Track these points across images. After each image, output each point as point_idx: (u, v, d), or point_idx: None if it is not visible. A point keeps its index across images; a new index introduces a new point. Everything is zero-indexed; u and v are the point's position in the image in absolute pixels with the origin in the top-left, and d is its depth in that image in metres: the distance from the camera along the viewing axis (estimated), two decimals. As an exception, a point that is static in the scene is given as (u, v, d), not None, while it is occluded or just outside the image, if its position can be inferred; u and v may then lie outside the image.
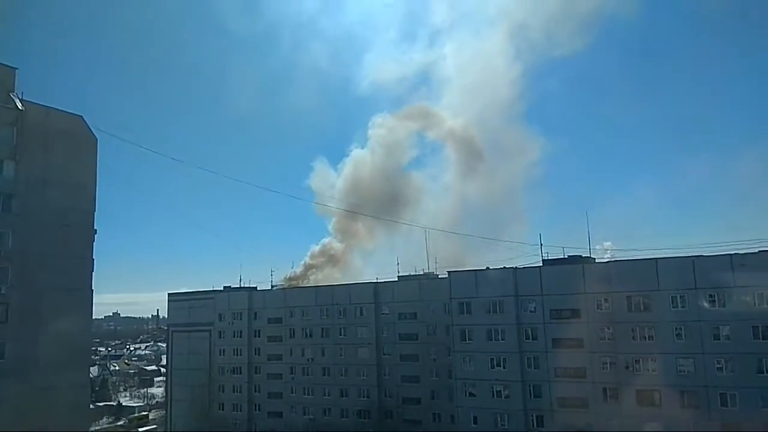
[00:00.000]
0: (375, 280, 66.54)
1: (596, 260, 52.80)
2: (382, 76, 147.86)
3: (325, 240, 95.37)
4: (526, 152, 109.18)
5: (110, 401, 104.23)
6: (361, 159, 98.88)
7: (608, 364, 45.56)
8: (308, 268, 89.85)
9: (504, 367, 49.36)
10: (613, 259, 54.73)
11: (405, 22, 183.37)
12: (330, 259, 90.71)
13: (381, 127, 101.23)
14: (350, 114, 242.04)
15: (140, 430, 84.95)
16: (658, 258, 45.48)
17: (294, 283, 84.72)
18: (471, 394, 50.64)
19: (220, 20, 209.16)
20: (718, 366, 41.71)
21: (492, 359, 49.83)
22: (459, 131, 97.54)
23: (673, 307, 43.48)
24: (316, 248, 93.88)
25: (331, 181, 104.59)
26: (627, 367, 44.78)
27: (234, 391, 71.75)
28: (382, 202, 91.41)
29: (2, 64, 31.91)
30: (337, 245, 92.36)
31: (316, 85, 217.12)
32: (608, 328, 45.85)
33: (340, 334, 65.12)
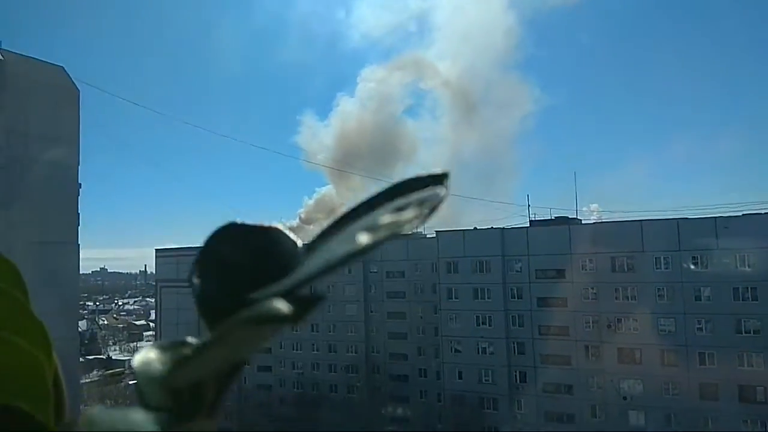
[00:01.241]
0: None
1: (583, 222, 53.27)
2: (372, 27, 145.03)
3: (320, 191, 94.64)
4: (519, 105, 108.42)
5: (100, 355, 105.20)
6: (350, 112, 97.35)
7: (591, 323, 46.49)
8: (304, 221, 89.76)
9: (489, 325, 50.22)
10: (599, 221, 55.30)
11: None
12: (325, 210, 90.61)
13: (371, 79, 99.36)
14: (340, 68, 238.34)
15: (131, 382, 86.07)
16: (643, 220, 45.92)
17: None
18: (457, 351, 51.63)
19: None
20: (698, 326, 42.70)
21: (478, 317, 50.63)
22: (451, 81, 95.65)
23: (657, 269, 44.16)
24: (311, 201, 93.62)
25: (319, 136, 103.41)
26: (609, 326, 45.73)
27: (223, 346, 72.60)
28: (373, 156, 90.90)
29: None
30: (332, 198, 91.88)
31: (304, 39, 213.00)
32: (592, 288, 46.61)
33: (328, 291, 65.58)
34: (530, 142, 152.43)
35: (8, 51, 30.57)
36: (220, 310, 0.50)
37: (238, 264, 0.52)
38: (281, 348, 68.11)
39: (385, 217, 0.49)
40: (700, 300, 42.65)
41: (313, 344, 65.87)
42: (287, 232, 0.54)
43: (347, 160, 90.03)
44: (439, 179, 0.54)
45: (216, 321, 0.50)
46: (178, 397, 0.46)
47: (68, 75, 32.54)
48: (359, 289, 63.82)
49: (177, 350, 0.50)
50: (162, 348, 0.51)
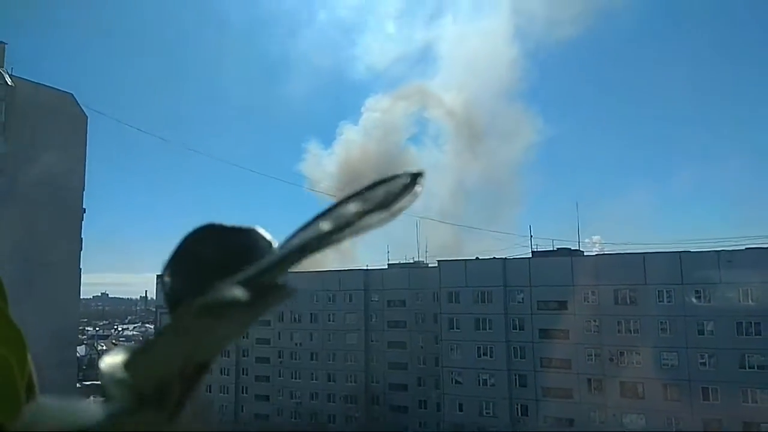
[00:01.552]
0: (365, 267, 66.66)
1: (585, 253, 53.18)
2: (377, 58, 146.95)
3: None
4: (522, 135, 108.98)
5: (97, 380, 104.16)
6: (354, 141, 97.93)
7: (593, 356, 46.04)
8: None
9: (491, 356, 49.76)
10: (601, 253, 55.20)
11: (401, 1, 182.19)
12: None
13: (375, 109, 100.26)
14: (345, 99, 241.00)
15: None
16: (646, 253, 45.83)
17: None
18: (457, 382, 51.05)
19: (210, 3, 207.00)
20: (702, 361, 42.26)
21: (479, 348, 50.20)
22: (455, 111, 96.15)
23: (659, 302, 43.91)
24: None
25: (323, 165, 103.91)
26: (611, 359, 45.28)
27: (221, 374, 71.86)
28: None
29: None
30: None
31: (310, 71, 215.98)
32: (594, 321, 46.30)
33: (329, 320, 65.26)
34: (533, 173, 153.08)
35: (19, 77, 31.13)
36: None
37: (211, 263, 0.51)
38: (280, 377, 67.44)
39: (350, 207, 0.49)
40: (703, 334, 42.30)
41: (312, 373, 65.21)
42: (264, 233, 0.53)
43: (351, 187, 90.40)
44: (414, 178, 0.54)
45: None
46: (141, 396, 0.45)
47: (76, 101, 33.07)
48: (360, 318, 63.46)
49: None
50: (129, 349, 0.51)
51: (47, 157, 31.11)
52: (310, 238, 0.46)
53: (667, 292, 43.71)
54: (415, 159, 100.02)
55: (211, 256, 0.51)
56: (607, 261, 47.98)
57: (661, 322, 43.72)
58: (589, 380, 46.05)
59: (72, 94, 32.89)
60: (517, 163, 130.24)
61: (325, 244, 0.45)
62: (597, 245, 62.95)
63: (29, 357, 0.50)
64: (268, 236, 0.53)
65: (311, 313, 66.32)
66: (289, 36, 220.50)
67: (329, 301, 65.60)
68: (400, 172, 0.52)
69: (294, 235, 0.51)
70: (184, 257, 0.54)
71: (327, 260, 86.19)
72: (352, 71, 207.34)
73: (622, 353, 44.97)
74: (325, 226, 0.46)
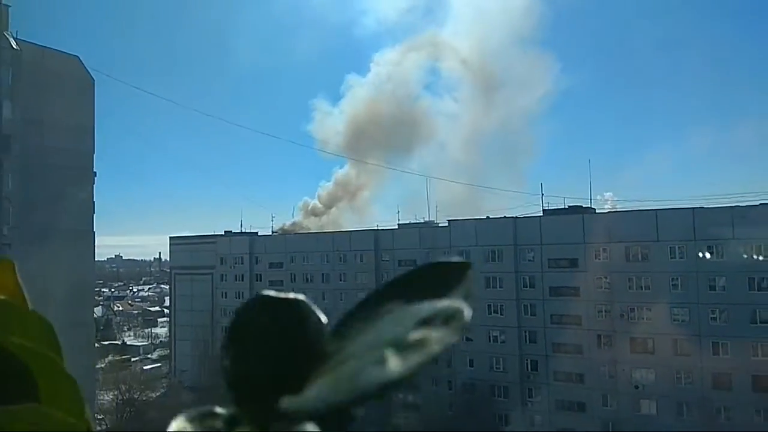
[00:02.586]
0: (375, 227, 66.87)
1: (596, 211, 52.92)
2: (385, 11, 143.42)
3: (339, 172, 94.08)
4: (535, 86, 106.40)
5: (115, 340, 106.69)
6: (364, 95, 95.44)
7: (603, 312, 46.32)
8: (325, 203, 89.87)
9: (501, 314, 50.22)
10: (613, 210, 54.90)
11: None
12: (346, 192, 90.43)
13: (385, 62, 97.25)
14: (355, 55, 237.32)
15: (145, 367, 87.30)
16: (658, 209, 45.51)
17: (301, 225, 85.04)
18: (468, 339, 51.67)
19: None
20: (713, 316, 42.41)
21: (489, 306, 50.62)
22: (469, 61, 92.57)
23: (671, 258, 43.83)
24: (328, 184, 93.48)
25: (333, 121, 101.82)
26: (622, 316, 45.55)
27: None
28: (387, 139, 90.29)
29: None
30: (351, 179, 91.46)
31: (317, 28, 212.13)
32: (605, 278, 46.39)
33: (341, 280, 65.89)
34: (546, 128, 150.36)
35: (24, 41, 30.82)
36: (249, 388, 0.50)
37: (266, 337, 0.53)
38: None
39: (413, 334, 0.50)
40: (715, 290, 42.31)
41: (325, 332, 66.33)
42: (312, 306, 0.56)
43: (361, 144, 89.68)
44: (461, 268, 0.56)
45: (244, 398, 0.50)
46: None
47: (83, 65, 32.78)
48: (371, 278, 64.01)
49: (206, 422, 0.49)
50: (191, 420, 0.50)
51: (56, 122, 31.06)
52: (380, 381, 0.46)
53: (679, 248, 43.57)
54: (427, 113, 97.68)
55: (266, 330, 0.53)
56: (618, 218, 47.77)
57: (673, 279, 43.73)
58: (599, 336, 46.46)
59: (78, 57, 32.61)
60: (529, 116, 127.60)
61: (394, 388, 0.47)
62: (609, 202, 62.60)
63: (86, 410, 0.50)
64: (317, 310, 0.56)
65: (323, 273, 66.96)
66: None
67: (340, 261, 66.12)
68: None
69: (346, 321, 0.54)
70: (241, 332, 0.53)
71: (344, 220, 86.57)
72: (361, 25, 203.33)
73: (632, 309, 45.19)
74: (395, 365, 0.47)
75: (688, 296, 43.02)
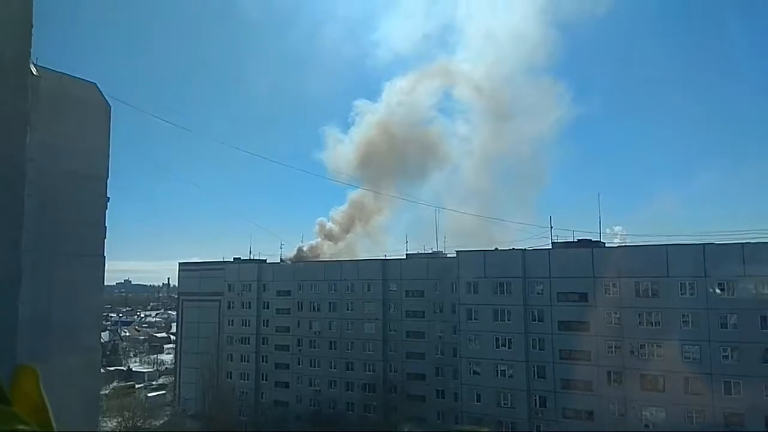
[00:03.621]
0: (383, 257, 66.87)
1: (606, 245, 52.60)
2: (398, 42, 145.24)
3: (352, 196, 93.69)
4: (547, 115, 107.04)
5: (121, 366, 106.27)
6: (375, 124, 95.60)
7: (613, 348, 45.68)
8: (325, 238, 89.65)
9: (509, 348, 49.63)
10: (623, 244, 54.55)
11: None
12: (359, 216, 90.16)
13: (397, 91, 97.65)
14: (367, 83, 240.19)
15: (150, 395, 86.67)
16: (669, 245, 45.20)
17: (312, 253, 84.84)
18: (475, 373, 51.05)
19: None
20: (724, 354, 41.69)
21: (497, 339, 50.10)
22: (482, 89, 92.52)
23: (682, 294, 43.35)
24: (341, 208, 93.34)
25: (344, 152, 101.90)
26: (632, 352, 44.88)
27: (242, 361, 72.83)
28: (400, 169, 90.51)
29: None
30: (364, 202, 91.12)
31: (330, 58, 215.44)
32: (615, 313, 45.87)
33: (348, 309, 65.63)
34: (554, 162, 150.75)
35: (43, 67, 31.55)
36: None
37: None
38: (299, 365, 68.13)
39: None
40: (726, 327, 41.69)
41: (331, 362, 65.74)
42: None
43: (372, 172, 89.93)
44: None
45: None
46: None
47: (100, 91, 33.45)
48: (378, 308, 63.72)
49: None
50: None
51: (71, 147, 31.58)
52: None
53: (690, 284, 43.12)
54: (438, 141, 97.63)
55: None
56: (628, 253, 47.41)
57: (684, 315, 43.17)
58: (609, 372, 45.73)
59: (96, 84, 33.32)
60: (539, 147, 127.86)
61: None
62: (618, 236, 62.23)
63: None
64: None
65: (330, 302, 66.76)
66: (310, 25, 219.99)
67: (348, 290, 65.95)
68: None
69: None
70: None
71: (358, 248, 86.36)
72: (373, 55, 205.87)
73: (643, 346, 44.54)
74: None
75: (699, 333, 42.40)
